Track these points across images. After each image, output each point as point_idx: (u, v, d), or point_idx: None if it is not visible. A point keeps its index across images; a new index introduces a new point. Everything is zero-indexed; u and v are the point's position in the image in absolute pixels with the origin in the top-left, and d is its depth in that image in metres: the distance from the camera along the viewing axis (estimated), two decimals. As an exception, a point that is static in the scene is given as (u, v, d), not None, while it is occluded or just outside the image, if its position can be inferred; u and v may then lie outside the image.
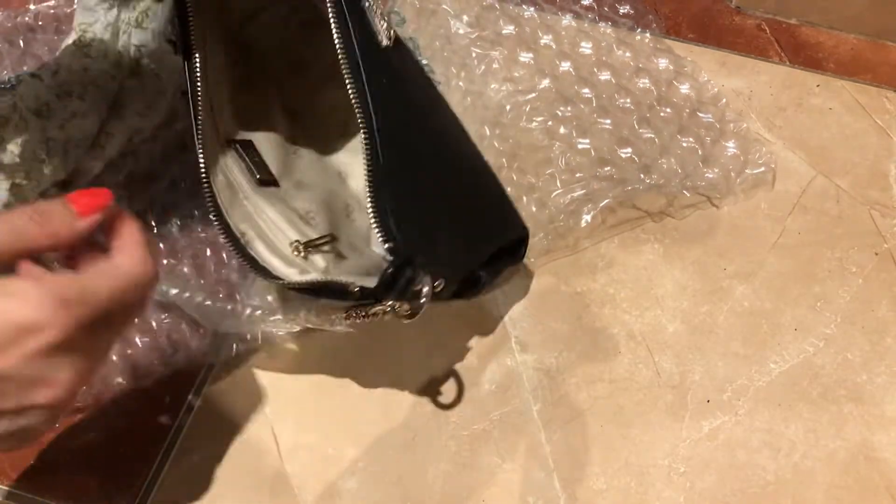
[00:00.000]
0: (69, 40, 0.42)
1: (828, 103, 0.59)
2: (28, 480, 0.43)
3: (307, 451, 0.45)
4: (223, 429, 0.45)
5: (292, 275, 0.38)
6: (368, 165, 0.35)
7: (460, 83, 0.57)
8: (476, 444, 0.45)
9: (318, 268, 0.40)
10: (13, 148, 0.39)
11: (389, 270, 0.34)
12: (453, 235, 0.40)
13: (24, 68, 0.56)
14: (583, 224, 0.52)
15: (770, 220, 0.53)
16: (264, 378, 0.47)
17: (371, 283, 0.35)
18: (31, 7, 0.59)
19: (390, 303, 0.34)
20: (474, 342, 0.48)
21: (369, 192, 0.35)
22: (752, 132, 0.56)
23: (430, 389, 0.47)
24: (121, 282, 0.29)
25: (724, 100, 0.57)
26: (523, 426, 0.46)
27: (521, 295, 0.50)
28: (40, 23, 0.58)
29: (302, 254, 0.39)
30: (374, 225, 0.35)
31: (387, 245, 0.34)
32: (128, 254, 0.30)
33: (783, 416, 0.46)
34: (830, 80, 0.60)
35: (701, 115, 0.56)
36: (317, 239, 0.41)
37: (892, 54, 0.61)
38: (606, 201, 0.52)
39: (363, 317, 0.35)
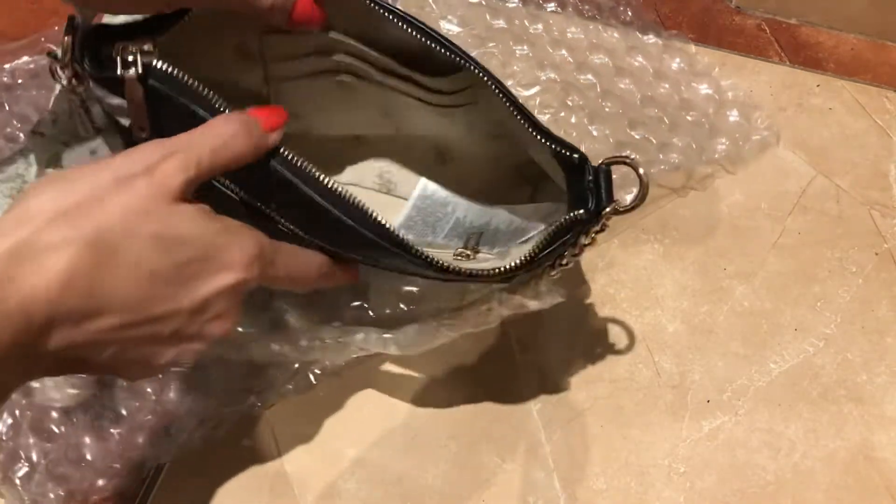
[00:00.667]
0: (58, 88, 0.40)
1: (828, 103, 0.59)
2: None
3: (307, 451, 0.45)
4: (223, 429, 0.45)
5: (495, 261, 0.37)
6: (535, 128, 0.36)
7: None
8: (476, 444, 0.45)
9: (490, 258, 0.39)
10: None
11: (591, 178, 0.34)
12: None
13: (8, 130, 0.55)
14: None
15: (770, 220, 0.53)
16: (264, 378, 0.47)
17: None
18: (6, 66, 0.56)
19: (609, 209, 0.34)
20: (474, 342, 0.48)
21: (542, 133, 0.36)
22: (749, 97, 0.57)
23: (430, 389, 0.47)
24: (303, 265, 0.33)
25: (717, 69, 0.58)
26: (523, 426, 0.46)
27: (521, 295, 0.50)
28: (19, 80, 0.56)
29: (471, 255, 0.39)
30: (559, 148, 0.35)
31: (576, 155, 0.34)
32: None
33: (783, 416, 0.46)
34: (830, 80, 0.60)
35: (697, 86, 0.57)
36: (470, 238, 0.40)
37: (892, 54, 0.61)
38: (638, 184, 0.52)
39: (589, 243, 0.35)
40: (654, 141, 0.54)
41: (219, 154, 0.29)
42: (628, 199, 0.47)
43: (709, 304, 0.50)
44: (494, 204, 0.45)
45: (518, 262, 0.34)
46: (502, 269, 0.34)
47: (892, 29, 0.62)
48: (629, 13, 0.61)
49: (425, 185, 0.46)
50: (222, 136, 0.30)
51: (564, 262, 0.35)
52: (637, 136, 0.55)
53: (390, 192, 0.47)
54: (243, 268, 0.29)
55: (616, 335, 0.49)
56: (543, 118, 0.56)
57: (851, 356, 0.48)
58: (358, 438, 0.45)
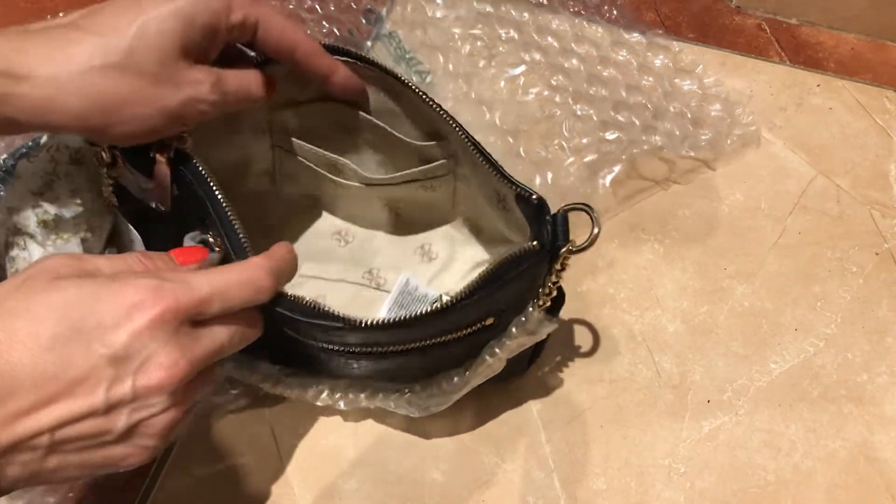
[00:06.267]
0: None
1: (828, 103, 0.59)
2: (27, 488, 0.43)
3: (307, 451, 0.45)
4: (223, 430, 0.45)
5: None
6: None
7: (450, 66, 0.58)
8: (476, 444, 0.45)
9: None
10: (76, 199, 0.38)
11: (548, 215, 0.35)
12: None
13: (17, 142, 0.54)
14: (600, 191, 0.52)
15: (770, 220, 0.53)
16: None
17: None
18: None
19: (564, 249, 0.34)
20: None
21: (509, 180, 0.37)
22: (732, 93, 0.57)
23: (430, 389, 0.47)
24: (223, 281, 0.31)
25: (701, 66, 0.58)
26: (523, 426, 0.46)
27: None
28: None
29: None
30: (520, 189, 0.36)
31: (534, 196, 0.35)
32: (237, 266, 0.32)
33: (783, 416, 0.46)
34: (830, 79, 0.60)
35: (680, 81, 0.58)
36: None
37: (892, 54, 0.61)
38: (622, 162, 0.53)
39: (557, 282, 0.36)
40: (637, 122, 0.55)
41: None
42: (606, 181, 0.49)
43: (709, 304, 0.50)
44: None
45: (473, 284, 0.35)
46: (459, 294, 0.35)
47: (892, 29, 0.62)
48: (614, 11, 0.61)
49: (406, 280, 0.48)
50: (130, 266, 0.31)
51: (541, 302, 0.37)
52: (621, 118, 0.55)
53: (379, 287, 0.49)
54: (148, 302, 0.28)
55: (616, 335, 0.49)
56: (528, 98, 0.56)
57: (852, 356, 0.48)
58: (358, 438, 0.45)
